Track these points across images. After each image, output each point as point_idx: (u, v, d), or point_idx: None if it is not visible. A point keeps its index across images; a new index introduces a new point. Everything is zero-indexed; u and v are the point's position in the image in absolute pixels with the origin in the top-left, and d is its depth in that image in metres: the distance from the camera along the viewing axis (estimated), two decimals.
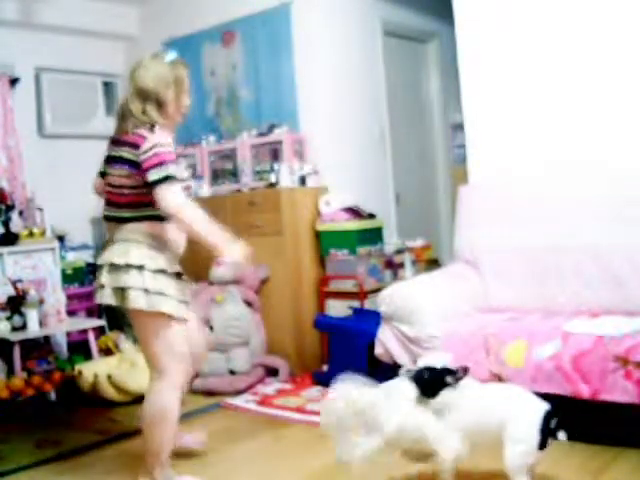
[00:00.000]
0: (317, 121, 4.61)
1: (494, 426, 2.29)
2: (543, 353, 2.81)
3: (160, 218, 2.58)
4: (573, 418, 2.37)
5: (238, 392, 3.95)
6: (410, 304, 3.25)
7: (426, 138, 5.64)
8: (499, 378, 2.88)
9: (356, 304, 4.24)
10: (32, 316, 3.97)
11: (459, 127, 4.68)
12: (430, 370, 2.38)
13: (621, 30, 3.39)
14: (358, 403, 2.35)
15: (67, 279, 4.70)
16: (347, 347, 3.87)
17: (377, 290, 3.88)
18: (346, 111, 4.73)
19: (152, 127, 2.50)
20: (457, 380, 2.35)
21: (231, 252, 2.50)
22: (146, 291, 2.50)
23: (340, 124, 4.68)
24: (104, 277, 2.57)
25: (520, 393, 2.39)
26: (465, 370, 2.38)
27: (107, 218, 2.67)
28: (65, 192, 4.97)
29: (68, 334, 4.46)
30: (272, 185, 4.42)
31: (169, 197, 2.45)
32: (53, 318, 4.10)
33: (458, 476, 2.37)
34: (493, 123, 3.85)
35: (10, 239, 4.31)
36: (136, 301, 2.50)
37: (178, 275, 2.69)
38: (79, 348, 4.43)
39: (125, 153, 2.53)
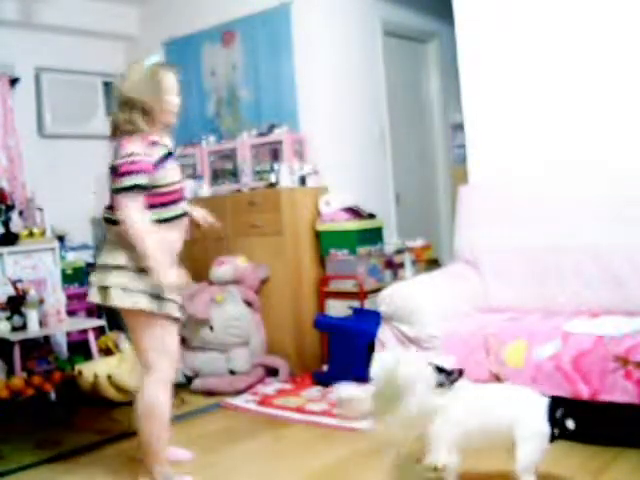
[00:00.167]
0: (317, 121, 4.61)
1: (504, 427, 2.29)
2: (543, 353, 2.81)
3: (155, 222, 2.62)
4: (573, 418, 2.37)
5: (238, 392, 3.95)
6: (410, 304, 3.25)
7: (426, 138, 5.64)
8: (498, 378, 2.88)
9: (356, 304, 4.24)
10: (32, 316, 3.97)
11: (459, 127, 4.68)
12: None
13: (621, 30, 3.39)
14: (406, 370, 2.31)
15: (67, 279, 4.70)
16: (347, 347, 3.87)
17: (377, 290, 3.88)
18: (346, 111, 4.73)
19: (132, 135, 2.58)
20: (452, 382, 2.34)
21: (166, 277, 2.53)
22: (125, 289, 2.58)
23: (340, 124, 4.68)
24: (92, 276, 2.72)
25: (520, 391, 2.40)
26: (460, 372, 2.38)
27: (104, 219, 2.76)
28: (65, 192, 4.98)
29: (68, 334, 4.46)
30: (272, 185, 4.42)
31: (126, 208, 2.53)
32: (53, 318, 4.10)
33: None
34: (493, 123, 3.85)
35: (10, 239, 4.31)
36: (116, 299, 2.59)
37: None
38: (79, 348, 4.43)
39: (111, 160, 2.65)
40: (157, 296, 2.61)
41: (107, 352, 4.30)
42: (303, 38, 4.60)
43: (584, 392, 2.69)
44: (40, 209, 4.62)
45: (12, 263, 4.31)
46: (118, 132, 2.64)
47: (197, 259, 4.57)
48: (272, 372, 4.21)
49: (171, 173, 2.67)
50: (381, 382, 2.30)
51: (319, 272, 4.44)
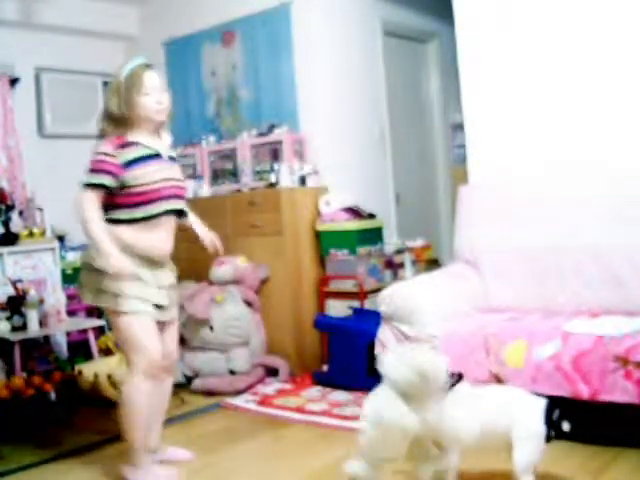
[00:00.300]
0: (317, 121, 4.61)
1: (502, 429, 2.30)
2: (543, 353, 2.81)
3: (127, 221, 2.71)
4: (573, 418, 2.37)
5: (238, 392, 3.95)
6: (410, 304, 3.25)
7: (426, 138, 5.64)
8: (498, 378, 2.88)
9: (356, 304, 4.24)
10: (32, 316, 3.97)
11: (459, 127, 4.68)
12: None
13: (621, 30, 3.39)
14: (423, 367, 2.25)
15: (67, 279, 4.70)
16: (347, 347, 3.87)
17: (377, 290, 3.88)
18: (346, 111, 4.73)
19: (106, 138, 2.74)
20: (451, 385, 2.34)
21: (109, 261, 2.60)
22: (101, 290, 2.70)
23: (340, 124, 4.68)
24: (81, 276, 2.82)
25: (516, 393, 2.41)
26: (460, 376, 2.37)
27: None
28: (65, 192, 4.95)
29: (68, 334, 4.45)
30: (272, 185, 4.42)
31: (82, 202, 2.65)
32: (53, 318, 4.10)
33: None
34: (493, 123, 3.85)
35: (10, 239, 4.31)
36: (94, 299, 2.75)
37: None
38: (79, 348, 4.43)
39: None
40: (141, 299, 2.70)
41: (107, 352, 4.29)
42: (303, 38, 4.60)
43: (584, 392, 2.69)
44: (40, 209, 4.62)
45: (12, 263, 4.31)
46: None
47: (197, 259, 4.57)
48: (272, 372, 4.21)
49: (150, 173, 2.70)
50: (409, 376, 2.22)
51: (319, 272, 4.44)
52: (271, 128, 4.63)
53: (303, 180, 4.45)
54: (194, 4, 5.21)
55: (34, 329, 3.99)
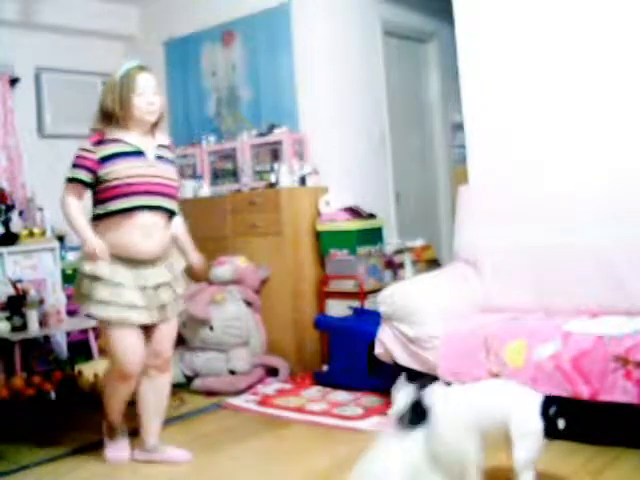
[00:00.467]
0: (317, 121, 4.61)
1: (500, 426, 2.30)
2: (543, 353, 2.81)
3: (104, 216, 2.82)
4: (573, 418, 2.37)
5: (238, 392, 3.95)
6: (410, 304, 3.25)
7: (426, 138, 5.64)
8: (497, 378, 2.88)
9: (356, 304, 4.24)
10: (32, 316, 3.97)
11: (459, 127, 4.68)
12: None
13: (620, 30, 3.39)
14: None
15: (67, 279, 4.69)
16: (347, 347, 3.87)
17: (377, 290, 3.88)
18: (346, 111, 4.73)
19: (92, 134, 2.86)
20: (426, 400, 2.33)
21: (88, 245, 2.76)
22: (83, 295, 2.83)
23: (340, 124, 4.68)
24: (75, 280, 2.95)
25: (512, 388, 2.41)
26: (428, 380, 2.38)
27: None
28: None
29: (68, 334, 4.45)
30: (272, 185, 4.42)
31: (64, 194, 2.85)
32: (53, 318, 4.10)
33: None
34: (493, 123, 3.85)
35: (10, 239, 4.31)
36: (80, 303, 2.92)
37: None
38: (79, 348, 4.43)
39: None
40: (100, 301, 2.78)
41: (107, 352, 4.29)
42: (303, 38, 4.60)
43: (584, 392, 2.69)
44: (40, 209, 4.62)
45: (12, 263, 4.31)
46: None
47: None
48: (272, 372, 4.21)
49: (125, 169, 2.78)
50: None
51: (319, 272, 4.44)
52: (271, 128, 4.63)
53: (303, 180, 4.45)
54: (194, 4, 5.21)
55: (34, 329, 3.99)
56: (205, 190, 4.79)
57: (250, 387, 4.02)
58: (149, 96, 2.84)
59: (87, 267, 2.77)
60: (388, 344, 3.33)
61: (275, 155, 4.56)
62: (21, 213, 4.55)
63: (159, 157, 2.91)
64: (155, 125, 2.93)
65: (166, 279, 2.89)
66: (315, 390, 3.91)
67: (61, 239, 4.74)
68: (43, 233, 4.51)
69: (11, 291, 4.11)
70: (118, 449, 3.08)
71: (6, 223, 4.33)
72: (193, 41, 5.23)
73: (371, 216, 4.47)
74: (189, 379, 4.14)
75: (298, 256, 4.34)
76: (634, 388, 2.57)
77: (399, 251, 4.57)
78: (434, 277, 3.66)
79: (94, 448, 3.20)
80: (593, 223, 3.28)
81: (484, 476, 2.29)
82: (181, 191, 4.64)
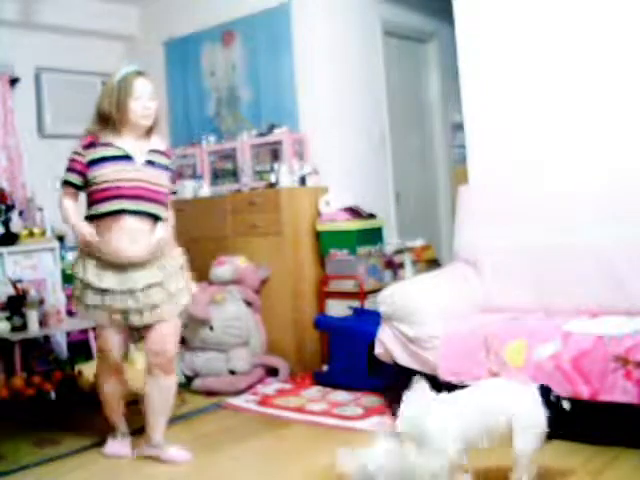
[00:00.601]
0: (317, 121, 4.61)
1: (503, 423, 2.31)
2: (543, 353, 2.81)
3: (91, 218, 2.89)
4: (573, 418, 2.37)
5: (238, 392, 3.95)
6: (410, 304, 3.25)
7: (426, 138, 5.64)
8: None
9: (356, 304, 4.24)
10: (32, 316, 3.97)
11: (459, 127, 4.68)
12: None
13: (620, 30, 3.39)
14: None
15: (67, 279, 4.69)
16: (347, 347, 3.87)
17: (377, 290, 3.88)
18: (346, 111, 4.73)
19: (84, 137, 2.93)
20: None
21: (79, 232, 2.87)
22: (76, 297, 3.00)
23: (340, 124, 4.68)
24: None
25: (511, 384, 2.44)
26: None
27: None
28: None
29: (68, 334, 4.45)
30: (272, 185, 4.42)
31: (60, 197, 2.95)
32: (53, 318, 4.10)
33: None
34: (493, 123, 3.85)
35: (10, 239, 4.31)
36: (75, 305, 3.08)
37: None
38: (79, 348, 4.43)
39: None
40: (88, 305, 2.91)
41: None
42: (303, 38, 4.60)
43: (584, 392, 2.69)
44: (40, 209, 4.62)
45: (12, 263, 4.31)
46: None
47: (197, 259, 4.57)
48: (272, 372, 4.21)
49: (110, 173, 2.84)
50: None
51: (319, 272, 4.44)
52: (271, 128, 4.63)
53: (303, 180, 4.45)
54: (194, 4, 5.21)
55: (34, 329, 3.99)
56: (205, 190, 4.80)
57: (250, 387, 4.02)
58: (145, 101, 2.89)
59: (78, 273, 2.92)
60: (388, 344, 3.33)
61: (275, 155, 4.56)
62: (21, 213, 4.55)
63: (149, 162, 2.94)
64: (150, 130, 2.97)
65: (157, 279, 2.91)
66: (315, 390, 3.91)
67: (61, 239, 4.75)
68: (43, 233, 4.51)
69: (11, 291, 4.11)
70: (117, 446, 3.13)
71: (6, 223, 4.34)
72: (193, 41, 5.23)
73: (371, 216, 4.47)
74: (189, 379, 4.14)
75: (298, 256, 4.35)
76: (634, 388, 2.57)
77: (399, 251, 4.57)
78: (434, 277, 3.66)
79: (94, 448, 3.21)
80: (593, 223, 3.28)
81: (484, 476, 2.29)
82: (181, 191, 4.66)
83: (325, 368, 4.13)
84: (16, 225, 4.41)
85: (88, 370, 3.88)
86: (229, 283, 4.25)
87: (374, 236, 4.44)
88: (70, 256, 4.87)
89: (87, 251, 2.90)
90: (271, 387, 4.03)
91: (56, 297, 4.24)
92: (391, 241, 4.72)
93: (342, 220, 4.32)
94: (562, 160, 3.60)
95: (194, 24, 5.18)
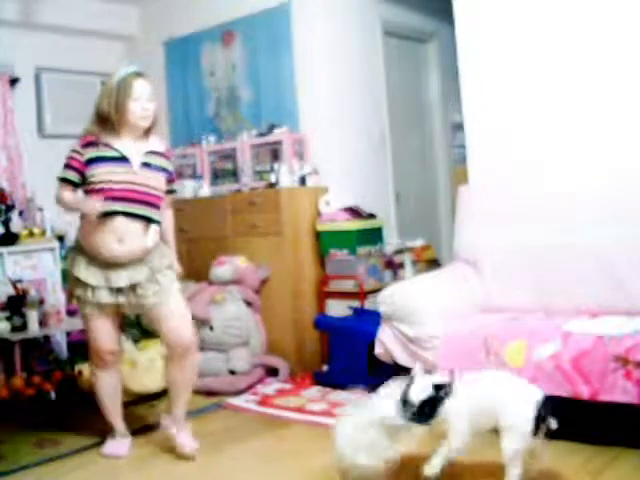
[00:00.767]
0: (317, 121, 4.61)
1: (492, 417, 2.35)
2: (543, 353, 2.81)
3: (84, 217, 2.95)
4: (573, 418, 2.37)
5: (238, 392, 3.95)
6: (410, 304, 3.25)
7: (426, 138, 5.64)
8: None
9: (356, 304, 4.24)
10: (32, 316, 3.97)
11: (459, 127, 4.68)
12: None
13: (620, 30, 3.39)
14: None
15: (67, 279, 4.69)
16: (347, 347, 3.87)
17: (377, 290, 3.88)
18: (346, 111, 4.73)
19: (83, 137, 2.96)
20: (447, 394, 2.35)
21: (87, 206, 2.88)
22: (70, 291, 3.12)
23: (340, 124, 4.68)
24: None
25: (511, 381, 2.46)
26: (452, 376, 2.40)
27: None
28: None
29: (68, 334, 4.45)
30: (272, 185, 4.42)
31: (58, 192, 3.00)
32: (53, 318, 4.09)
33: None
34: (493, 123, 3.85)
35: (10, 239, 4.30)
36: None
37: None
38: (79, 348, 4.42)
39: None
40: (78, 298, 3.03)
41: None
42: (303, 38, 4.60)
43: (584, 392, 2.69)
44: (40, 209, 4.61)
45: (12, 263, 4.30)
46: None
47: (197, 259, 4.57)
48: (272, 372, 4.21)
49: (103, 174, 2.88)
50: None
51: (319, 272, 4.44)
52: (271, 128, 4.63)
53: (303, 180, 4.45)
54: (194, 4, 5.21)
55: (34, 329, 3.99)
56: (205, 190, 4.80)
57: (250, 387, 4.02)
58: (144, 102, 2.91)
59: (72, 268, 3.02)
60: (388, 344, 3.33)
61: (275, 155, 4.56)
62: (21, 213, 4.54)
63: (145, 164, 2.96)
64: (148, 131, 3.00)
65: (146, 275, 2.97)
66: (315, 390, 3.91)
67: (61, 239, 4.74)
68: (43, 233, 4.50)
69: (11, 291, 4.10)
70: (115, 446, 3.14)
71: (6, 223, 4.33)
72: (193, 41, 5.23)
73: (371, 216, 4.47)
74: None
75: (298, 256, 4.34)
76: (634, 388, 2.58)
77: (399, 251, 4.57)
78: (434, 277, 3.66)
79: (94, 448, 3.21)
80: (593, 223, 3.29)
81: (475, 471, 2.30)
82: (181, 191, 4.66)
83: (325, 368, 4.13)
84: (16, 225, 4.40)
85: (88, 370, 3.87)
86: (229, 283, 4.25)
87: (374, 236, 4.44)
88: None
89: (80, 247, 2.99)
90: (271, 387, 4.03)
91: (56, 297, 4.23)
92: (391, 241, 4.72)
93: (342, 220, 4.32)
94: (562, 160, 3.60)
95: (194, 24, 5.18)
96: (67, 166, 2.96)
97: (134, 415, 3.43)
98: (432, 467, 2.39)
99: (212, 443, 3.19)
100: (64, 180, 2.97)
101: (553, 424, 2.33)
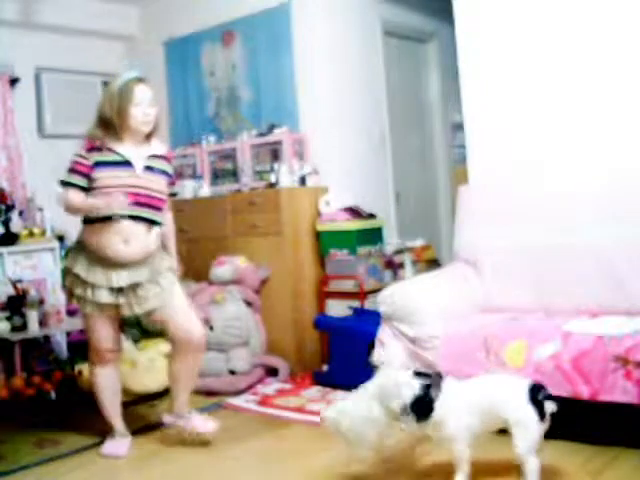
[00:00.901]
0: (317, 121, 4.61)
1: (498, 416, 2.35)
2: (543, 353, 2.81)
3: (88, 220, 2.98)
4: (573, 418, 2.37)
5: (238, 392, 3.95)
6: (410, 304, 3.25)
7: (426, 138, 5.64)
8: None
9: (356, 304, 4.24)
10: (32, 316, 3.97)
11: (459, 127, 4.68)
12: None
13: (620, 30, 3.39)
14: None
15: (64, 277, 4.69)
16: (347, 347, 3.87)
17: (377, 290, 3.87)
18: (346, 111, 4.73)
19: (86, 141, 3.00)
20: (437, 384, 2.37)
21: (113, 204, 2.86)
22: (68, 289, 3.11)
23: (340, 124, 4.68)
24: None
25: (502, 379, 2.48)
26: (439, 376, 2.42)
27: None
28: None
29: (68, 334, 4.45)
30: (272, 185, 4.42)
31: (62, 195, 2.97)
32: (53, 318, 4.09)
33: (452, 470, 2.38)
34: (493, 123, 3.85)
35: (10, 239, 4.31)
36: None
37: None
38: (79, 348, 4.42)
39: None
40: (78, 296, 3.03)
41: None
42: (303, 38, 4.60)
43: (584, 392, 2.69)
44: (40, 209, 4.62)
45: (12, 263, 4.31)
46: None
47: (197, 259, 4.57)
48: (272, 372, 4.21)
49: (107, 178, 2.91)
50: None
51: (319, 272, 4.44)
52: (271, 128, 4.63)
53: (303, 180, 4.45)
54: (194, 4, 5.21)
55: (34, 329, 3.99)
56: (205, 190, 4.80)
57: (250, 387, 4.02)
58: (145, 107, 2.96)
59: (73, 267, 3.00)
60: (388, 344, 3.32)
61: (275, 155, 4.56)
62: (21, 213, 4.55)
63: (148, 168, 2.99)
64: (149, 135, 3.03)
65: (147, 276, 2.99)
66: (315, 390, 3.91)
67: (61, 239, 4.74)
68: (43, 233, 4.51)
69: (11, 291, 4.11)
70: (115, 446, 3.15)
71: (6, 223, 4.34)
72: (193, 41, 5.23)
73: (371, 216, 4.47)
74: None
75: (298, 256, 4.35)
76: (634, 388, 2.57)
77: (399, 251, 4.57)
78: (434, 277, 3.66)
79: (94, 448, 3.21)
80: (593, 223, 3.28)
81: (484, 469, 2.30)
82: (181, 191, 4.66)
83: (325, 368, 4.13)
84: (16, 225, 4.41)
85: (88, 370, 3.87)
86: (229, 283, 4.25)
87: (374, 236, 4.44)
88: None
89: (82, 246, 3.00)
90: (271, 387, 4.04)
91: (56, 297, 4.23)
92: (391, 241, 4.72)
93: (342, 220, 4.32)
94: (562, 160, 3.60)
95: (194, 24, 5.18)
96: (73, 170, 2.96)
97: (134, 415, 3.43)
98: None
99: (212, 443, 3.19)
100: (69, 185, 2.96)
101: (552, 406, 2.33)
